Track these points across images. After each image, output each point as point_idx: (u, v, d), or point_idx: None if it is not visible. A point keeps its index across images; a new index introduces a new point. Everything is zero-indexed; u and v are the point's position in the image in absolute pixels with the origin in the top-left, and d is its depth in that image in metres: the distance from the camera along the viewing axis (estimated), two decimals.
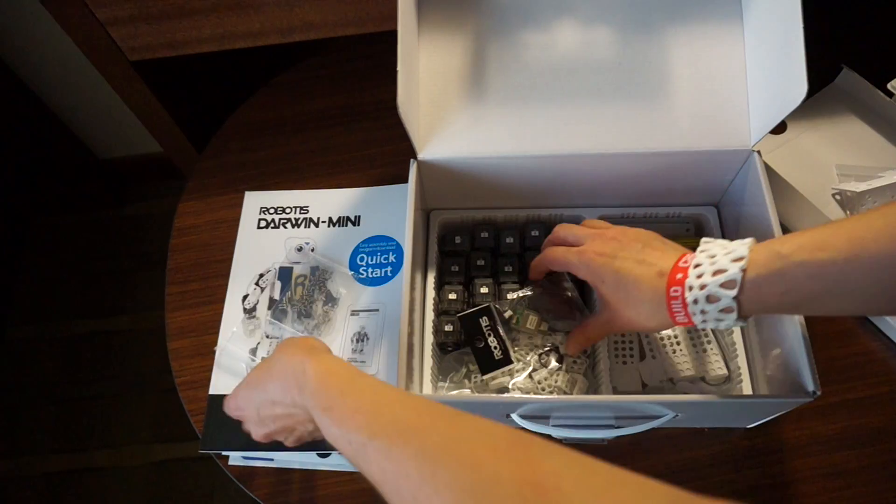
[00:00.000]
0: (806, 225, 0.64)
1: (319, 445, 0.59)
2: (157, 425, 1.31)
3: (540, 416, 0.51)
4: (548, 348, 0.56)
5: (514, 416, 0.51)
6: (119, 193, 1.54)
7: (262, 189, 0.75)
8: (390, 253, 0.69)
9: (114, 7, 0.67)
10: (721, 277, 0.39)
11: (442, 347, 0.59)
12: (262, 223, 0.72)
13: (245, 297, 0.68)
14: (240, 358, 0.64)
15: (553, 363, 0.55)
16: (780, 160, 0.69)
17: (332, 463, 0.59)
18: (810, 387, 0.45)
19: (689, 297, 0.41)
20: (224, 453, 0.60)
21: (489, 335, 0.55)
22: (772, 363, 0.52)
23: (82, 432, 1.31)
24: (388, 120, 0.69)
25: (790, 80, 0.49)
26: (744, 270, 0.39)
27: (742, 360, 0.56)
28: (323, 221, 0.72)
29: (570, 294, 0.59)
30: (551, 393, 0.54)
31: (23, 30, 1.13)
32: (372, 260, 0.69)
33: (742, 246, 0.40)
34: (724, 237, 0.54)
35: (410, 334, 0.51)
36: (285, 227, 0.72)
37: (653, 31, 0.57)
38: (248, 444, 0.60)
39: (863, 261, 0.35)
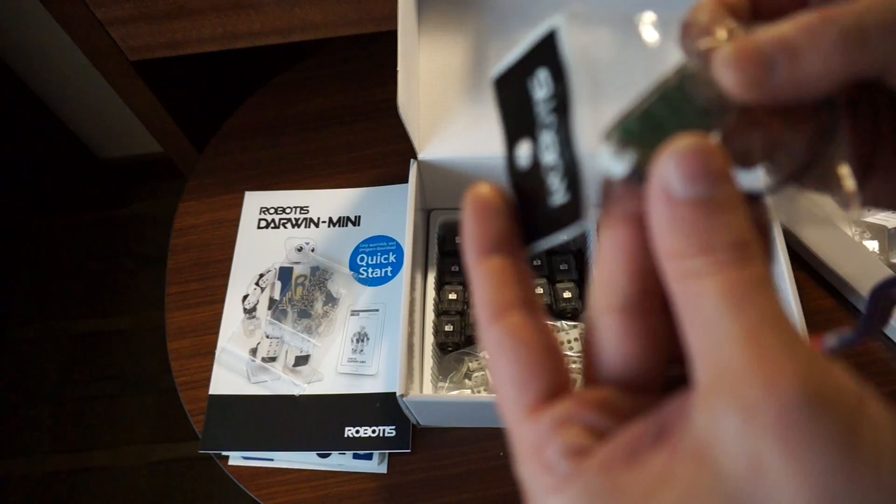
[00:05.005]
0: (805, 224, 0.64)
1: (320, 446, 0.59)
2: (157, 425, 1.31)
3: None
4: None
5: None
6: (119, 193, 1.54)
7: (262, 189, 0.75)
8: (390, 253, 0.69)
9: (114, 7, 0.67)
10: None
11: (442, 347, 0.59)
12: (262, 223, 0.72)
13: (245, 297, 0.68)
14: (240, 358, 0.64)
15: None
16: None
17: (332, 463, 0.59)
18: None
19: None
20: (224, 453, 0.60)
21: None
22: None
23: (82, 432, 1.31)
24: (388, 120, 0.69)
25: None
26: None
27: None
28: (323, 221, 0.72)
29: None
30: None
31: (23, 30, 1.13)
32: (372, 260, 0.69)
33: None
34: None
35: (410, 334, 0.51)
36: (285, 227, 0.72)
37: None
38: (248, 443, 0.60)
39: None
